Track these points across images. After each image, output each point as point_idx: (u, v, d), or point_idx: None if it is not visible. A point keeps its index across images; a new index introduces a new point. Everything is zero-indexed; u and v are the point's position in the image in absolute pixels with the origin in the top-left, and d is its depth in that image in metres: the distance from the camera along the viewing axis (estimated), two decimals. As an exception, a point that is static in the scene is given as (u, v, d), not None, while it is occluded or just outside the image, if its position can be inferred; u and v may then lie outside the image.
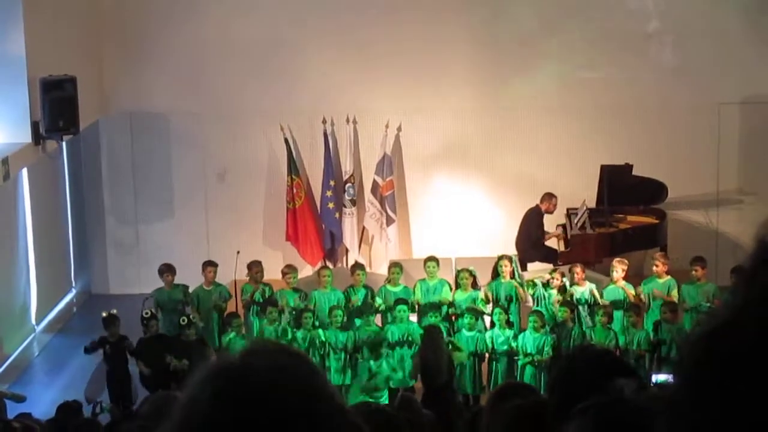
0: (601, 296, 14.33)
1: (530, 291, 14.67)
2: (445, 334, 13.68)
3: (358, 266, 15.49)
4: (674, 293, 14.39)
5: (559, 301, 14.22)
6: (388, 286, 14.84)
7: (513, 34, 17.63)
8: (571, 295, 14.32)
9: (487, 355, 13.82)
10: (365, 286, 14.94)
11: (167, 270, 15.04)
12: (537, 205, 16.35)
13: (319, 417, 1.88)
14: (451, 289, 14.76)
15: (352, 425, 1.94)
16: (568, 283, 14.47)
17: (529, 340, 13.61)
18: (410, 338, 13.94)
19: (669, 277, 14.61)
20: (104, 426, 9.61)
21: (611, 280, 14.55)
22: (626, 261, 14.75)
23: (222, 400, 1.85)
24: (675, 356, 13.55)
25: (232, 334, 13.92)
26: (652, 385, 12.26)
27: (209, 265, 15.11)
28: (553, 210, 16.33)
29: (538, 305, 14.35)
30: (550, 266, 15.41)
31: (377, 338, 13.91)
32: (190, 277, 15.17)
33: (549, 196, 16.35)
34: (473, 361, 13.78)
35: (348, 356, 13.95)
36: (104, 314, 13.96)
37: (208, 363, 1.96)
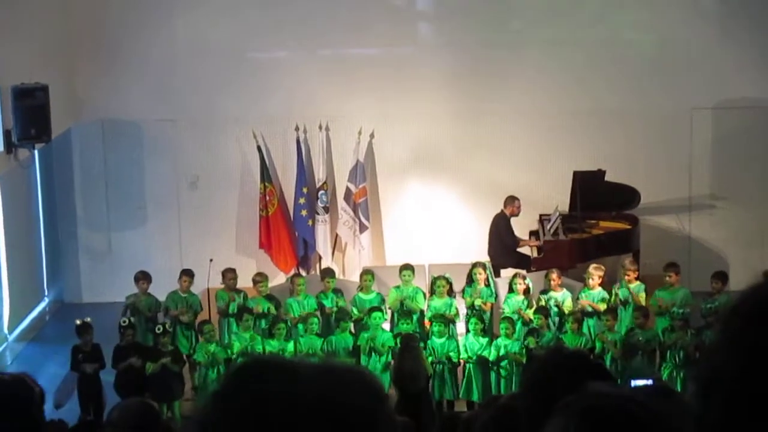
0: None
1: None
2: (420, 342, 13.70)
3: (327, 272, 15.42)
4: (642, 296, 14.47)
5: (532, 306, 14.33)
6: (361, 294, 14.83)
7: (486, 40, 17.66)
8: (546, 301, 14.40)
9: (461, 361, 13.81)
10: (334, 291, 14.93)
11: (143, 278, 14.97)
12: (501, 210, 16.34)
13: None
14: (425, 296, 14.77)
15: None
16: (531, 286, 14.59)
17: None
18: (383, 346, 13.90)
19: (638, 282, 14.67)
20: (69, 429, 9.49)
21: (587, 287, 14.58)
22: (603, 267, 14.77)
23: (233, 392, 1.86)
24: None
25: (203, 342, 13.90)
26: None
27: (185, 274, 15.04)
28: (518, 212, 16.30)
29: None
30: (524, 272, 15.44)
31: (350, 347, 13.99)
32: (163, 285, 15.08)
33: (512, 199, 16.32)
34: (447, 368, 13.76)
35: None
36: (78, 322, 13.95)
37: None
